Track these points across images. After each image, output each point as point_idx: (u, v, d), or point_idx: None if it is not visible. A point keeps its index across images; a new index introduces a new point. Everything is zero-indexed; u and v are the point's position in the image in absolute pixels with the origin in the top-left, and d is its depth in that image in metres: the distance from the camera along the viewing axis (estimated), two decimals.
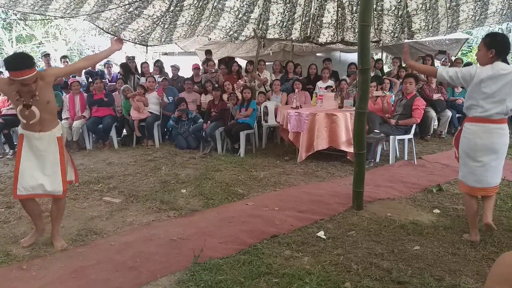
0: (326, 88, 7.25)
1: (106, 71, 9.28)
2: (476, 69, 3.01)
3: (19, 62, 2.75)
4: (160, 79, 8.12)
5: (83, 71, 8.67)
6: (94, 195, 4.48)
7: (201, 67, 8.95)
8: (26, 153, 2.98)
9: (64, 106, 7.25)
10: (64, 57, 9.12)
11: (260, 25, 7.32)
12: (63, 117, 7.13)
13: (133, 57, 9.05)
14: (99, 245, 3.20)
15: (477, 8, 6.24)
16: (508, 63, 2.99)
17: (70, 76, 8.28)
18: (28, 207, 3.13)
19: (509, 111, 2.94)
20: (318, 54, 11.20)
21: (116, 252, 3.06)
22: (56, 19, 15.36)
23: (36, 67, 2.90)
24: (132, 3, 6.01)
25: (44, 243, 3.23)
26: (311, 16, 7.30)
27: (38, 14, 6.23)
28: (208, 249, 3.03)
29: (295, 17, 7.25)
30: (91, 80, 8.06)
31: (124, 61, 9.01)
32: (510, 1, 5.91)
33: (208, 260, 2.83)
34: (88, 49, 21.00)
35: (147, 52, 13.02)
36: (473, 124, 3.03)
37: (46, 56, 8.52)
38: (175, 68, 8.91)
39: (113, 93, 7.79)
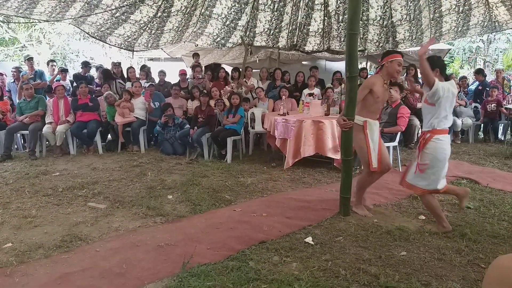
0: (309, 95, 7.32)
1: (97, 75, 9.16)
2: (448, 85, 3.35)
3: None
4: (146, 85, 8.06)
5: (68, 75, 8.57)
6: (78, 201, 4.41)
7: (189, 73, 8.93)
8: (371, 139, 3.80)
9: (48, 110, 7.13)
10: (52, 61, 9.02)
11: (248, 33, 7.36)
12: (46, 122, 7.01)
13: (119, 63, 8.99)
14: (84, 251, 3.14)
15: (459, 19, 6.41)
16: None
17: (55, 80, 8.18)
18: None
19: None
20: (304, 62, 11.29)
21: (101, 259, 3.01)
22: (41, 22, 15.16)
23: None
24: (119, 8, 5.98)
25: (27, 249, 3.16)
26: (298, 25, 7.39)
27: (23, 17, 6.14)
28: (196, 255, 3.00)
29: (282, 25, 7.32)
30: (76, 85, 7.96)
31: (110, 66, 8.93)
32: (491, 14, 6.09)
33: (196, 266, 2.81)
34: (72, 53, 20.73)
35: (132, 58, 12.95)
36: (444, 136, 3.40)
37: (30, 60, 8.37)
38: (162, 74, 8.87)
39: (98, 98, 7.70)
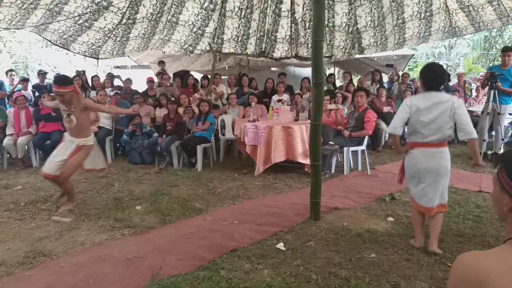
0: (278, 101, 7.39)
1: None
2: (411, 99, 3.20)
3: (56, 79, 4.22)
4: (112, 93, 7.89)
5: (30, 84, 8.32)
6: (42, 215, 4.24)
7: (155, 80, 8.82)
8: (60, 146, 4.33)
9: (9, 122, 6.84)
10: (11, 70, 8.73)
11: (216, 39, 7.34)
12: (7, 133, 6.72)
13: (84, 71, 8.78)
14: (49, 267, 3.02)
15: (421, 25, 6.62)
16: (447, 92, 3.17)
17: (15, 90, 7.89)
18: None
19: (447, 138, 3.12)
20: (273, 69, 11.38)
21: (67, 274, 2.90)
22: (0, 30, 14.62)
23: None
24: (82, 15, 5.84)
25: None
26: (266, 31, 7.43)
27: None
28: (166, 266, 2.94)
29: (250, 32, 7.34)
30: (38, 94, 7.70)
31: (74, 74, 8.71)
32: (451, 20, 6.32)
33: (165, 278, 2.75)
34: (35, 62, 20.10)
35: (98, 66, 12.67)
36: (416, 150, 3.17)
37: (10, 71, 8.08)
38: (129, 81, 8.71)
39: None
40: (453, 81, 10.43)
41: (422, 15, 6.41)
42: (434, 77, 3.12)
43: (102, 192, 5.06)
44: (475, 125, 7.97)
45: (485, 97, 7.59)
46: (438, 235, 3.17)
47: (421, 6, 6.23)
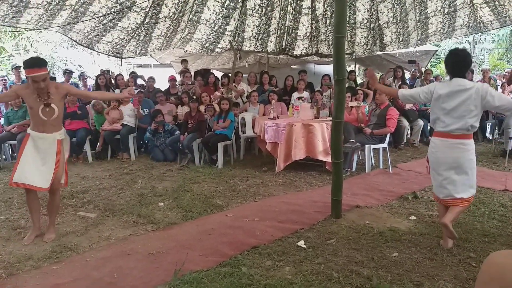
0: (299, 99, 7.37)
1: (81, 83, 9.12)
2: (435, 85, 3.17)
3: (32, 61, 3.31)
4: (135, 91, 8.03)
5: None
6: (68, 210, 4.35)
7: (177, 78, 8.92)
8: (29, 149, 3.44)
9: None
10: None
11: (236, 37, 7.37)
12: None
13: (108, 70, 8.94)
14: (75, 262, 3.10)
15: (445, 21, 6.48)
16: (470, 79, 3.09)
17: None
18: (29, 199, 3.59)
19: (469, 128, 2.99)
20: (293, 66, 11.35)
21: (92, 268, 2.97)
22: (28, 31, 15.04)
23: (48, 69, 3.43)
24: (106, 15, 5.95)
25: (17, 261, 3.11)
26: (286, 29, 7.42)
27: (9, 26, 6.08)
28: (188, 262, 2.99)
29: (270, 30, 7.34)
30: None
31: (99, 73, 8.90)
32: (476, 15, 6.17)
33: (188, 274, 2.79)
34: (60, 61, 20.56)
35: (121, 65, 12.90)
36: (437, 139, 3.14)
37: (17, 68, 8.28)
38: (152, 80, 8.84)
39: (86, 106, 7.64)
40: (478, 77, 10.19)
41: (446, 10, 6.27)
42: (456, 62, 3.08)
43: (126, 189, 5.16)
44: (501, 123, 7.81)
45: (511, 94, 7.40)
46: (455, 215, 3.07)
47: (445, 1, 6.10)
